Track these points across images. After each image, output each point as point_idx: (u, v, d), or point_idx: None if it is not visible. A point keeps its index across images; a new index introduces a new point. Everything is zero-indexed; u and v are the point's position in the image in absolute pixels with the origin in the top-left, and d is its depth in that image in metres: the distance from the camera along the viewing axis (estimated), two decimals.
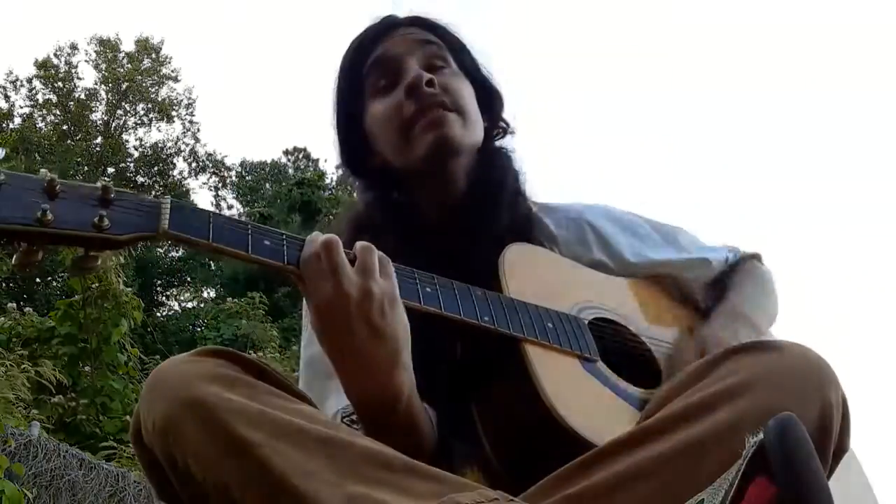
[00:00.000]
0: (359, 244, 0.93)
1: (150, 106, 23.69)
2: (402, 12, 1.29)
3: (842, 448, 0.82)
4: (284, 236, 0.93)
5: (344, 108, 1.26)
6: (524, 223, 1.23)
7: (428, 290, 1.01)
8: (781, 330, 1.31)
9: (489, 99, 1.28)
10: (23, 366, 5.70)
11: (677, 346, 1.19)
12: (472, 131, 1.20)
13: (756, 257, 1.40)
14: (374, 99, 1.22)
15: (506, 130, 1.31)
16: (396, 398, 0.93)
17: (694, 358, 1.09)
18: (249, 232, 0.91)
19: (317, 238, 0.91)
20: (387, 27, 1.25)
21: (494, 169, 1.23)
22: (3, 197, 0.75)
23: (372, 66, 1.21)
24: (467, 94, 1.22)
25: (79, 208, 0.80)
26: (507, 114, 1.32)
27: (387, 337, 0.90)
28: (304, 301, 1.16)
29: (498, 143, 1.31)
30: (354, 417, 1.02)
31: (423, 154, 1.16)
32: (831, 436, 0.79)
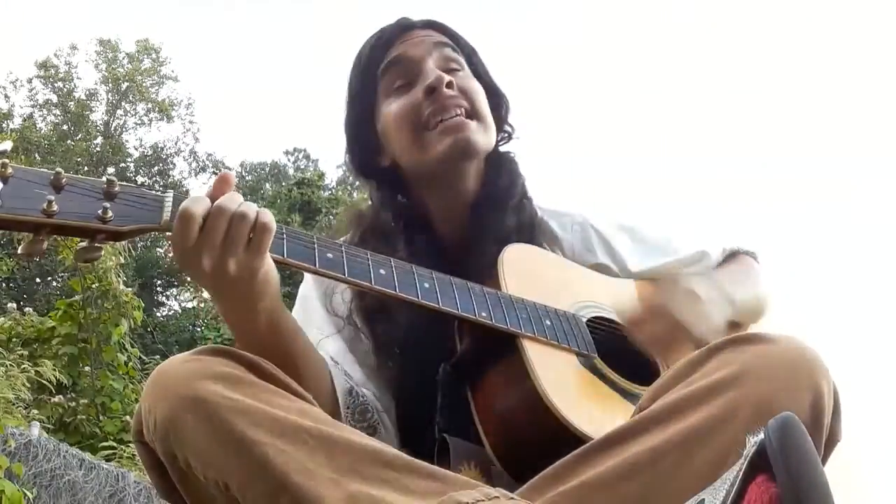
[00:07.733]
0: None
1: (150, 106, 23.68)
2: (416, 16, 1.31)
3: (834, 438, 0.82)
4: (284, 230, 0.95)
5: (356, 108, 1.28)
6: (529, 227, 1.25)
7: (426, 285, 1.02)
8: (778, 324, 1.31)
9: (497, 104, 1.30)
10: (23, 366, 5.70)
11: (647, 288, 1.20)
12: (488, 137, 1.23)
13: (751, 254, 1.41)
14: (388, 98, 1.23)
15: (511, 135, 1.33)
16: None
17: (659, 290, 1.14)
18: None
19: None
20: (402, 28, 1.26)
21: (503, 174, 1.26)
22: (11, 188, 0.79)
23: (388, 66, 1.23)
24: (482, 97, 1.25)
25: (84, 201, 0.83)
26: (513, 119, 1.33)
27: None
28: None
29: (503, 148, 1.32)
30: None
31: (439, 155, 1.18)
32: (823, 426, 0.79)
